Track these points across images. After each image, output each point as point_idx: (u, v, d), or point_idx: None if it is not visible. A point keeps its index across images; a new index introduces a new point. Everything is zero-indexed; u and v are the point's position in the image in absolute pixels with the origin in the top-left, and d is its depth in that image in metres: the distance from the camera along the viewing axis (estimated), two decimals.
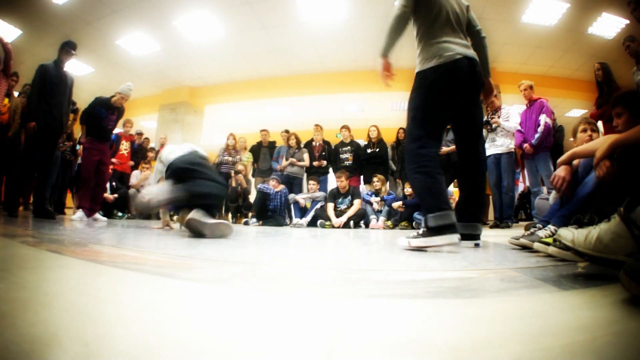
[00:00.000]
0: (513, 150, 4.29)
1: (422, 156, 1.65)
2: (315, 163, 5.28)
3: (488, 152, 4.41)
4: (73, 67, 6.85)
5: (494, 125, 4.31)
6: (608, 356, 0.41)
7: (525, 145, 4.09)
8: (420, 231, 1.59)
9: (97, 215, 3.83)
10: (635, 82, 3.39)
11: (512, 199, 4.23)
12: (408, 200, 4.44)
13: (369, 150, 5.21)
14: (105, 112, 3.82)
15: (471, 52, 1.76)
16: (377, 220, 4.50)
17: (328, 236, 2.69)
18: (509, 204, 4.22)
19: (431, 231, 1.54)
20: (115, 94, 3.88)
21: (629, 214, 0.79)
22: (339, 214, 4.55)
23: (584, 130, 1.93)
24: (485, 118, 4.41)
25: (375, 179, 4.74)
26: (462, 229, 1.67)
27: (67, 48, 3.57)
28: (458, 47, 1.71)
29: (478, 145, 1.83)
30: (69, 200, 5.81)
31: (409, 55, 2.00)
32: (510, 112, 4.38)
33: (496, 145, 4.32)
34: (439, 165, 1.67)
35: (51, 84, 3.43)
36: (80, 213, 3.64)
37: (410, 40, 1.88)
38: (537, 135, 3.98)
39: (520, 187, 7.42)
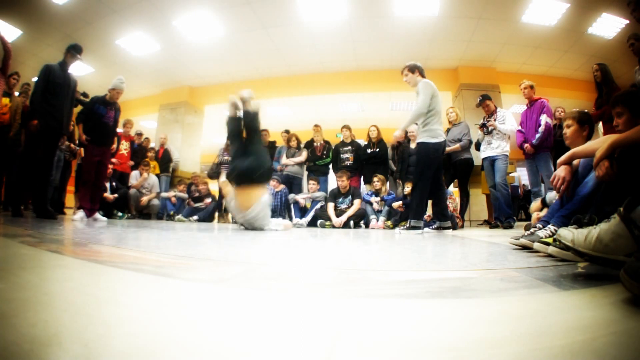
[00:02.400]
0: (508, 153, 4.30)
1: (425, 190, 3.25)
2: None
3: (484, 155, 4.42)
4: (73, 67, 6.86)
5: (490, 128, 4.31)
6: (608, 356, 0.41)
7: (526, 145, 4.09)
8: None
9: (97, 215, 3.84)
10: (636, 81, 3.38)
11: (507, 197, 4.22)
12: (408, 200, 4.43)
13: (369, 150, 5.20)
14: (105, 109, 3.86)
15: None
16: (377, 220, 4.50)
17: (328, 236, 2.69)
18: (508, 203, 4.22)
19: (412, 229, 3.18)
20: (108, 91, 3.92)
21: (629, 214, 0.79)
22: (339, 213, 4.55)
23: (568, 126, 1.98)
24: (481, 121, 4.45)
25: (375, 179, 4.74)
26: (438, 223, 3.41)
27: (73, 52, 3.59)
28: (442, 133, 3.30)
29: (440, 178, 3.45)
30: (69, 200, 5.81)
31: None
32: (506, 115, 4.38)
33: (492, 147, 4.32)
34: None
35: (54, 85, 3.44)
36: (81, 213, 3.65)
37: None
38: (537, 135, 3.97)
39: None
